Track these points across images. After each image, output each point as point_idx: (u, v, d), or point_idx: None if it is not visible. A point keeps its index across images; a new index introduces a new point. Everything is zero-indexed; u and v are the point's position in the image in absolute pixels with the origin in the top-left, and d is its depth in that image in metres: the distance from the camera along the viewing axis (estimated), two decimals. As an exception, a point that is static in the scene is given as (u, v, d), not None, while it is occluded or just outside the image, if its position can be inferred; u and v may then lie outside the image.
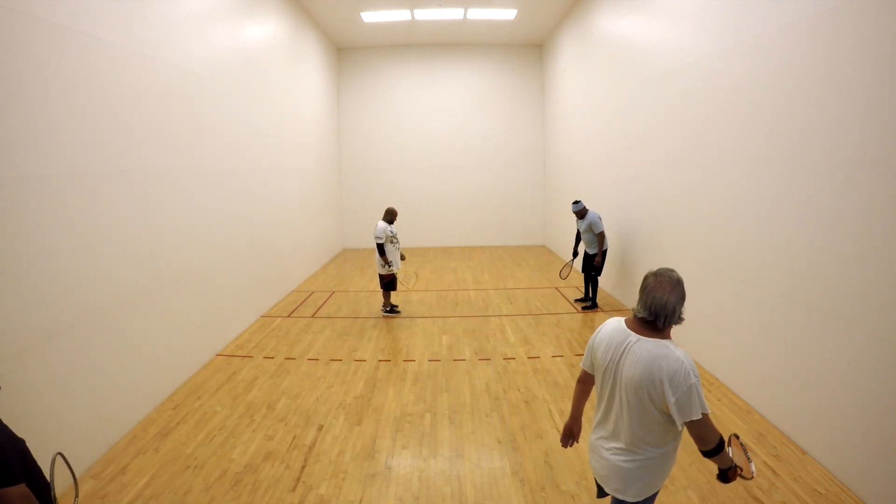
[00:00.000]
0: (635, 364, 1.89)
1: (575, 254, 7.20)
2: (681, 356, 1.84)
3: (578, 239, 7.18)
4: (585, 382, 2.28)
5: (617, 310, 6.94)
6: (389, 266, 6.53)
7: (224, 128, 5.84)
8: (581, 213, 6.74)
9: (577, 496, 3.10)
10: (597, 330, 2.12)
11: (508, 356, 5.36)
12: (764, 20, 3.82)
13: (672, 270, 1.95)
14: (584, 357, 2.20)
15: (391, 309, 6.87)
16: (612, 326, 2.04)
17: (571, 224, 9.08)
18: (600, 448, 2.11)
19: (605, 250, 6.74)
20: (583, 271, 6.97)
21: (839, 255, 3.16)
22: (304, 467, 3.45)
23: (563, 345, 5.66)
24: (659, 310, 1.87)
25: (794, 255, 3.58)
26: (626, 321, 2.02)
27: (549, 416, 4.07)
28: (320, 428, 3.97)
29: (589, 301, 7.05)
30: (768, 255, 3.86)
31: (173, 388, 4.60)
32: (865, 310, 2.97)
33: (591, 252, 6.81)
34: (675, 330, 1.99)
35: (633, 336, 1.94)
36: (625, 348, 1.94)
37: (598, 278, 7.01)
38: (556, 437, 3.77)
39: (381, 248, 6.43)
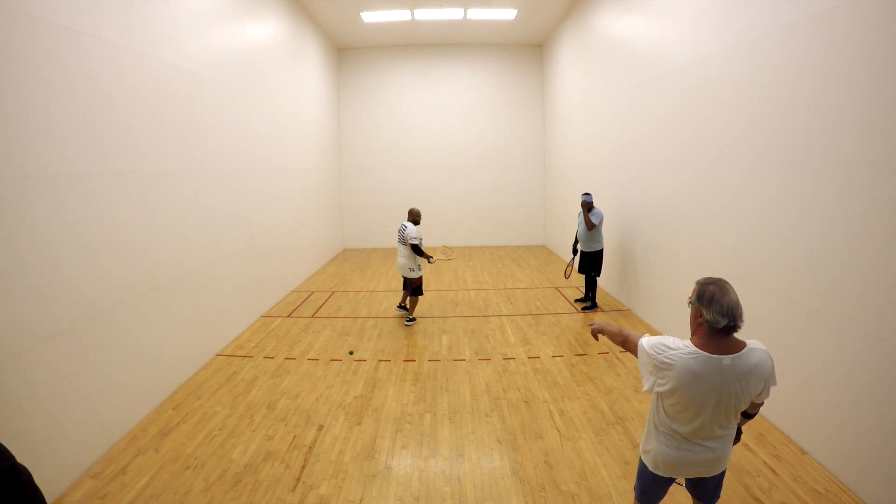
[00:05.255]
0: (750, 378, 1.91)
1: (575, 251, 7.20)
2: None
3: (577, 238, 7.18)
4: None
5: (617, 310, 6.94)
6: (430, 260, 6.34)
7: (224, 127, 5.84)
8: (590, 205, 6.73)
9: (577, 496, 3.10)
10: (666, 364, 1.94)
11: (508, 356, 5.36)
12: (764, 20, 3.82)
13: (710, 277, 2.00)
14: (648, 380, 2.03)
15: (411, 318, 6.51)
16: (692, 369, 1.88)
17: (571, 224, 9.09)
18: (697, 447, 2.05)
19: (601, 250, 6.80)
20: (582, 272, 6.98)
21: (839, 255, 3.16)
22: (304, 467, 3.45)
23: (563, 345, 5.66)
24: (737, 311, 1.87)
25: (794, 255, 3.58)
26: (694, 350, 1.91)
27: (549, 416, 4.07)
28: (320, 428, 3.97)
29: (588, 301, 7.06)
30: (768, 254, 3.86)
31: (173, 388, 4.60)
32: (865, 310, 2.97)
33: (586, 251, 6.81)
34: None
35: (726, 359, 1.88)
36: (724, 377, 1.89)
37: (598, 279, 7.01)
38: (556, 437, 3.78)
39: (417, 249, 6.22)
